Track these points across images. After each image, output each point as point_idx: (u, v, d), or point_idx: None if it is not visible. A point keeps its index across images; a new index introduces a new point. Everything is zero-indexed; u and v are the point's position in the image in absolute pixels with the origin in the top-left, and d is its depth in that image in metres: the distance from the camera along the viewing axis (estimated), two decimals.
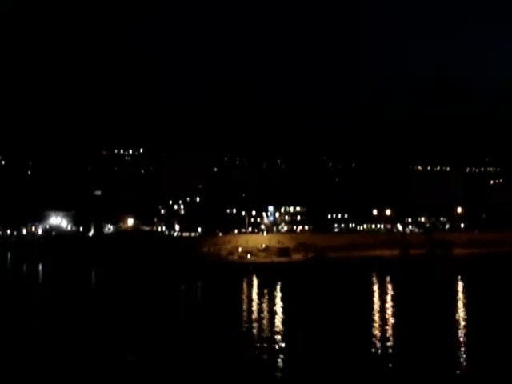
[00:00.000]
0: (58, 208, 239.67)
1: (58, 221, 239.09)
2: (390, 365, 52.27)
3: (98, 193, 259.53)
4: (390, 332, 67.11)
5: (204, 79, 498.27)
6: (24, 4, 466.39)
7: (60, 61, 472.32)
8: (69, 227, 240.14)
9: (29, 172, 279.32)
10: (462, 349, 58.94)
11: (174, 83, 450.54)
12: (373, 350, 57.86)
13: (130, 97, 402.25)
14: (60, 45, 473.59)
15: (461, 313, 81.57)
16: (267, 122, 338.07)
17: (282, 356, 56.27)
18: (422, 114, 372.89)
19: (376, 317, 77.75)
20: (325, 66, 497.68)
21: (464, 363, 53.57)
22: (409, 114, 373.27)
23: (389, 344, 60.95)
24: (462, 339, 63.63)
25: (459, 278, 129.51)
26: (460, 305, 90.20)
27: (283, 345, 61.29)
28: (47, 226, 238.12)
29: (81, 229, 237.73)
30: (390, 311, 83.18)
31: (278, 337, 65.41)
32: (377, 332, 66.58)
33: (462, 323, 72.99)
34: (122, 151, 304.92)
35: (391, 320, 75.53)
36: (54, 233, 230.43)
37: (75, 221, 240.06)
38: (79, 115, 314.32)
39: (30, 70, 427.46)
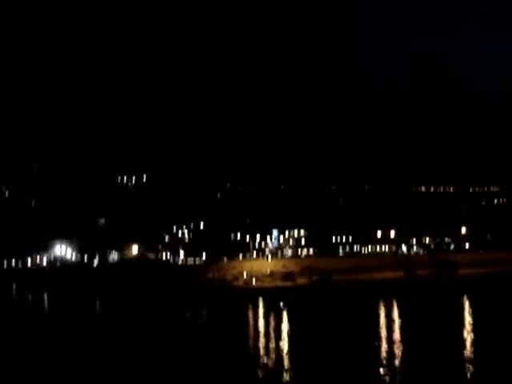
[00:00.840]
0: (62, 237, 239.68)
1: (63, 250, 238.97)
2: None
3: (102, 221, 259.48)
4: (398, 354, 67.02)
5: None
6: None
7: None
8: (73, 256, 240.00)
9: (32, 202, 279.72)
10: (471, 368, 58.89)
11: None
12: (381, 372, 57.66)
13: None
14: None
15: (468, 334, 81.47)
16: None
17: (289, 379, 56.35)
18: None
19: (383, 339, 77.74)
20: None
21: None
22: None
23: (397, 365, 60.91)
24: (470, 359, 63.55)
25: (465, 298, 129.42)
26: (467, 325, 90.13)
27: (290, 367, 61.36)
28: (52, 256, 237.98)
29: (85, 258, 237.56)
30: (397, 333, 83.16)
31: (286, 361, 65.47)
32: (384, 354, 66.50)
33: (470, 344, 72.94)
34: (125, 178, 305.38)
35: (399, 343, 75.44)
36: (58, 262, 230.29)
37: (79, 250, 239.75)
38: (82, 141, 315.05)
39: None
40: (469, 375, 56.68)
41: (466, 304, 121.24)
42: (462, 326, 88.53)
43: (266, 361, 65.99)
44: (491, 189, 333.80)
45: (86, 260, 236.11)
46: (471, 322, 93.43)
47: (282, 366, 63.06)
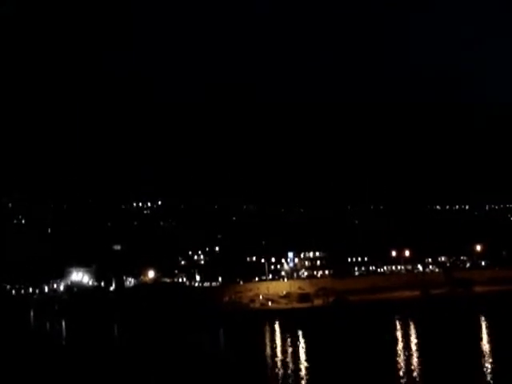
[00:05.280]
0: (79, 264, 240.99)
1: (80, 276, 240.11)
2: None
3: (118, 247, 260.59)
4: (417, 375, 67.08)
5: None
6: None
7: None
8: (90, 282, 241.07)
9: (49, 229, 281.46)
10: None
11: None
12: None
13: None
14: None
15: (486, 355, 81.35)
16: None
17: None
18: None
19: (402, 362, 77.82)
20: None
21: None
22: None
23: None
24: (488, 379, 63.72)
25: (481, 316, 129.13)
26: (484, 345, 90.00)
27: None
28: (69, 282, 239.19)
29: (102, 284, 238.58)
30: (415, 355, 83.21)
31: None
32: (403, 375, 66.49)
33: (489, 365, 72.98)
34: (140, 204, 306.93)
35: (417, 366, 75.48)
36: (75, 289, 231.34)
37: (96, 276, 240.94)
38: (96, 167, 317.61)
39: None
40: None
41: (482, 322, 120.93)
42: (478, 346, 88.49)
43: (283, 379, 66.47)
44: (507, 206, 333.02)
45: (102, 285, 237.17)
46: (487, 342, 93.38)
47: None
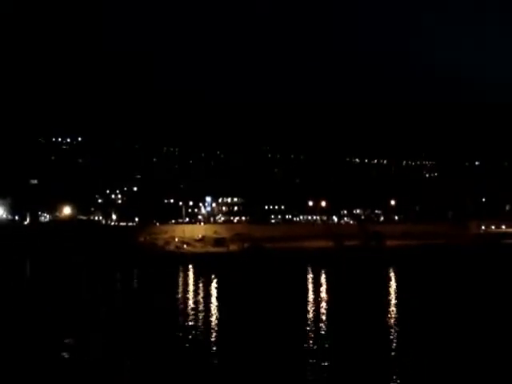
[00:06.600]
0: None
1: None
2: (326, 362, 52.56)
3: (35, 181, 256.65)
4: (324, 324, 68.34)
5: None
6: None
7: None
8: (4, 215, 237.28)
9: None
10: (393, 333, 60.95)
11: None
12: (308, 345, 58.29)
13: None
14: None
15: (392, 303, 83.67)
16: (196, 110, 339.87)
17: (216, 346, 57.54)
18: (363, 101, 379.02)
19: (311, 309, 79.21)
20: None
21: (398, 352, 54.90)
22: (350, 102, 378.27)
23: (323, 335, 62.33)
24: (393, 324, 65.63)
25: (390, 268, 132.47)
26: (391, 295, 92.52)
27: (217, 335, 62.54)
28: None
29: (16, 217, 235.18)
30: (324, 303, 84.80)
31: (213, 327, 66.57)
32: (312, 325, 67.51)
33: (394, 312, 75.12)
34: (59, 139, 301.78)
35: (326, 312, 76.99)
36: None
37: (11, 209, 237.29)
38: (16, 102, 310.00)
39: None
40: (391, 339, 58.53)
41: (391, 274, 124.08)
42: (385, 294, 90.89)
43: (192, 326, 66.98)
44: (423, 163, 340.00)
45: (17, 219, 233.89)
46: (394, 292, 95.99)
47: (209, 332, 64.14)
